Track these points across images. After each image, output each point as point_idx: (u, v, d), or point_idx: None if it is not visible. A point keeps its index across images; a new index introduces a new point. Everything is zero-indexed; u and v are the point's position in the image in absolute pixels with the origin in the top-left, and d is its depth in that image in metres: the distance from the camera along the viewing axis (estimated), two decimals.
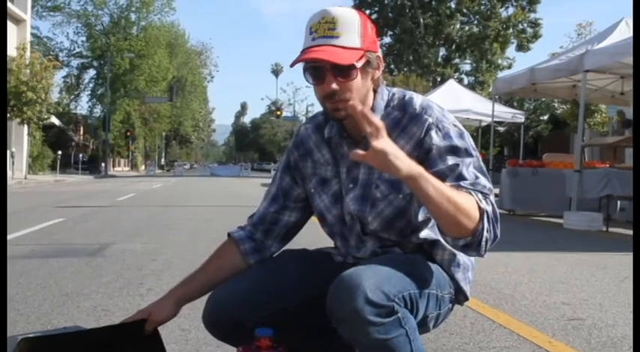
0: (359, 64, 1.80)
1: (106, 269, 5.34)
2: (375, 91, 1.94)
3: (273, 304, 1.91)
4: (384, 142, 1.57)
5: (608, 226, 9.96)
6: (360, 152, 1.57)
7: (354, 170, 1.97)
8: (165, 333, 2.17)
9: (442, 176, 1.77)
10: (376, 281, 1.63)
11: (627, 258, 6.54)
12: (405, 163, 1.58)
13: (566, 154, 15.93)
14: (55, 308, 3.93)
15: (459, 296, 1.99)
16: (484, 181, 1.80)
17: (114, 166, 58.28)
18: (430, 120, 1.88)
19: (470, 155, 1.84)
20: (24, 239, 7.30)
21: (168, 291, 2.06)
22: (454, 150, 1.84)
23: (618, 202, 11.48)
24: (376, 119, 1.59)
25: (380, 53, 1.89)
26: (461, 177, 1.78)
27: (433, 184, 1.63)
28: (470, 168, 1.81)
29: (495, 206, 1.78)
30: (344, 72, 1.78)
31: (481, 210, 1.71)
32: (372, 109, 1.92)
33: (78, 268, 5.37)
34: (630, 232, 9.49)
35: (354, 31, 1.80)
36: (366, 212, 1.94)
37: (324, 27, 1.79)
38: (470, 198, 1.71)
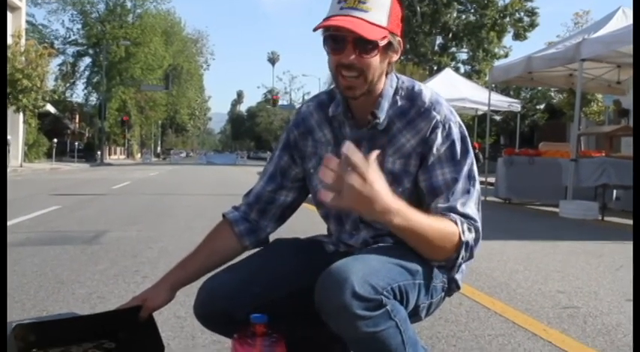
0: (382, 43, 1.78)
1: (101, 256, 5.34)
2: (385, 76, 1.91)
3: (265, 296, 1.89)
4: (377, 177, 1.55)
5: (603, 215, 9.99)
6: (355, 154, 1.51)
7: None
8: (160, 320, 2.17)
9: (437, 190, 1.84)
10: (364, 274, 1.61)
11: (622, 247, 6.56)
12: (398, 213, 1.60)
13: (562, 143, 15.93)
14: (51, 295, 3.93)
15: (452, 284, 1.97)
16: (473, 203, 1.83)
17: (110, 154, 58.05)
18: (438, 117, 1.87)
19: (466, 162, 1.86)
20: (19, 226, 7.29)
21: (163, 276, 2.04)
22: (453, 157, 1.85)
23: (614, 191, 11.49)
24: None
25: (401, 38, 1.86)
26: (453, 196, 1.81)
27: (414, 228, 1.66)
28: (463, 184, 1.84)
29: (480, 230, 1.82)
30: (365, 47, 1.76)
31: (460, 242, 1.75)
32: (380, 95, 1.90)
33: (73, 255, 5.36)
34: (626, 221, 9.52)
35: (383, 9, 1.77)
36: None
37: None
38: (452, 232, 1.74)
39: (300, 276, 1.92)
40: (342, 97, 1.94)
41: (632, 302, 3.99)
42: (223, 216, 2.12)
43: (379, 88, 1.89)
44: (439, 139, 1.85)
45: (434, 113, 1.87)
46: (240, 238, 2.07)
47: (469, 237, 1.76)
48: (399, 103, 1.91)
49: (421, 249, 1.75)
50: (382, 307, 1.61)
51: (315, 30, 1.77)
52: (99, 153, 48.62)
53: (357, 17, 1.73)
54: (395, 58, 1.87)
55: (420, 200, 1.87)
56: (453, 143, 1.86)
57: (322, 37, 1.81)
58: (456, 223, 1.75)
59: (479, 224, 1.81)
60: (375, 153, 1.57)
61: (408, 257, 1.77)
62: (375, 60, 1.79)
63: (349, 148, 1.50)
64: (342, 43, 1.76)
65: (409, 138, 1.88)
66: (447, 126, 1.86)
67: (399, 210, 1.60)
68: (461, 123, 1.91)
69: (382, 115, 1.89)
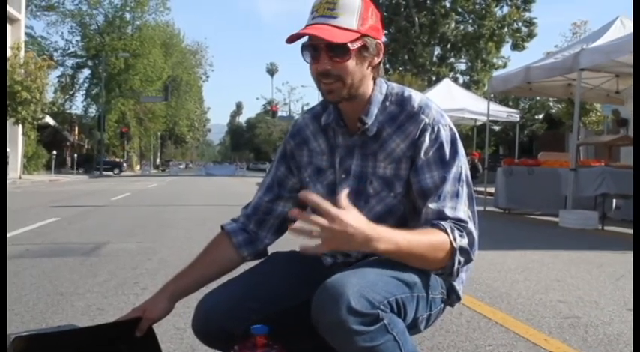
0: (353, 46, 1.79)
1: (100, 268, 5.32)
2: (374, 82, 1.93)
3: (262, 311, 1.88)
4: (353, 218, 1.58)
5: (603, 225, 9.98)
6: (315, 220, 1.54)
7: (348, 160, 1.96)
8: (160, 332, 2.16)
9: (426, 192, 1.83)
10: (360, 288, 1.60)
11: (623, 256, 6.55)
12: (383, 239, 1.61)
13: (561, 153, 15.97)
14: (50, 307, 3.91)
15: (452, 295, 1.97)
16: (463, 205, 1.83)
17: None
18: (427, 120, 1.87)
19: (455, 164, 1.86)
20: (18, 239, 7.28)
21: (162, 286, 2.04)
22: (442, 160, 1.85)
23: (613, 201, 11.49)
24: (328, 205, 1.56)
25: (381, 41, 1.87)
26: (442, 198, 1.81)
27: (402, 248, 1.66)
28: (452, 186, 1.83)
29: (474, 232, 1.81)
30: (337, 52, 1.79)
31: (453, 250, 1.74)
32: (369, 101, 1.91)
33: (72, 267, 5.35)
34: (626, 230, 9.51)
35: (352, 13, 1.80)
36: (360, 207, 1.91)
37: (324, 7, 1.80)
38: (442, 242, 1.73)
39: (297, 290, 1.92)
40: (334, 106, 1.96)
41: (632, 312, 3.98)
42: (222, 227, 2.13)
43: (366, 94, 1.91)
44: (427, 142, 1.86)
45: (422, 116, 1.88)
46: (238, 249, 2.07)
47: (462, 242, 1.76)
48: (389, 109, 1.92)
49: (415, 264, 1.74)
50: (379, 321, 1.60)
51: (288, 42, 1.80)
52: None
53: (326, 24, 1.78)
54: (376, 61, 1.88)
55: (413, 204, 1.88)
56: (441, 145, 1.86)
57: (300, 48, 1.85)
58: (445, 232, 1.74)
59: (470, 225, 1.80)
60: (344, 193, 1.62)
61: (406, 269, 1.76)
62: (351, 63, 1.81)
63: (309, 196, 1.58)
64: (316, 51, 1.81)
65: (399, 142, 1.88)
66: (435, 128, 1.87)
67: (381, 235, 1.61)
68: (452, 126, 1.91)
69: (370, 121, 1.90)
